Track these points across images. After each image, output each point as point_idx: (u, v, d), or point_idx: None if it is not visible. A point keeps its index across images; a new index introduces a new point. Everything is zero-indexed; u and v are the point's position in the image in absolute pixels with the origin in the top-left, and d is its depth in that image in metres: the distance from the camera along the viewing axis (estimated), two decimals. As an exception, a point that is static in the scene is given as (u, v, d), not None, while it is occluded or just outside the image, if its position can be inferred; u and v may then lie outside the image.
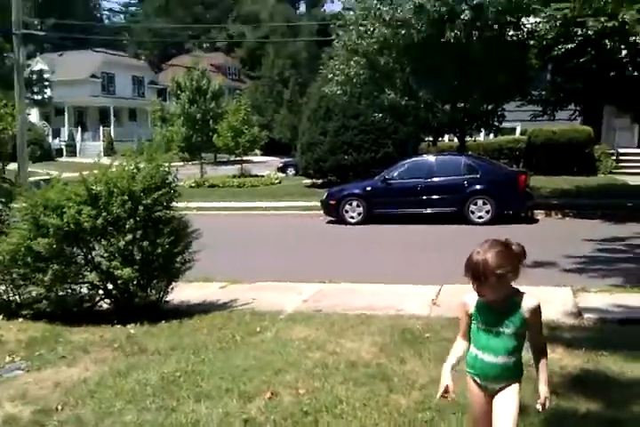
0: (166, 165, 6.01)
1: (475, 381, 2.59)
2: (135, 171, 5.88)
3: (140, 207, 5.54)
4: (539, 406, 2.52)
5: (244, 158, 27.98)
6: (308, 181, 23.08)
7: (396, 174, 14.16)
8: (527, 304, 2.49)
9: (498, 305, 2.49)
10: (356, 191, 14.21)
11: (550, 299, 6.19)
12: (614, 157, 21.81)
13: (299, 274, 7.75)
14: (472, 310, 2.55)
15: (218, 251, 9.88)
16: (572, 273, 7.98)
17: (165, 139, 26.76)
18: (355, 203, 14.03)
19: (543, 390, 2.50)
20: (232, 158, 30.73)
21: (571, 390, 3.84)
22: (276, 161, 32.22)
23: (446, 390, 2.56)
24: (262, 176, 25.45)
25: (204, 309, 6.21)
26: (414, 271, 7.87)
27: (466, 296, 2.59)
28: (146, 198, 5.61)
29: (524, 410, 3.49)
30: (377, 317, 5.70)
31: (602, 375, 4.09)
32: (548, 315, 5.48)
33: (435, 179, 13.80)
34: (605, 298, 6.18)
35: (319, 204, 14.89)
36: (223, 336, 5.17)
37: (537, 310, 2.51)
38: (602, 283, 7.19)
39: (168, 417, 3.56)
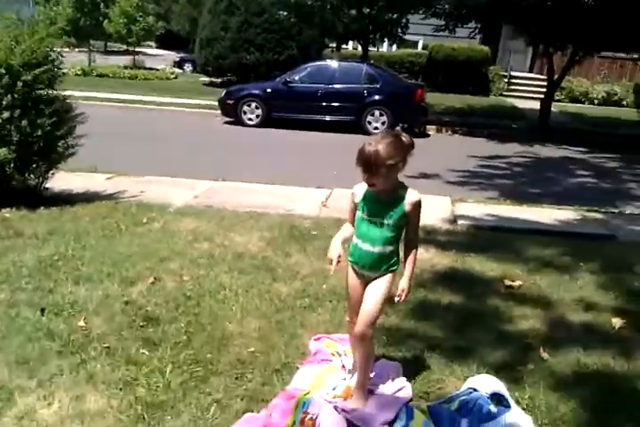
0: (49, 40, 5.50)
1: (354, 269, 2.70)
2: (14, 44, 5.35)
3: (19, 83, 5.10)
4: (395, 298, 2.62)
5: (138, 49, 26.27)
6: (207, 79, 22.17)
7: (297, 78, 13.87)
8: (410, 198, 2.58)
9: (384, 196, 2.55)
10: (256, 92, 13.84)
11: (430, 206, 6.52)
12: (506, 80, 22.57)
13: (191, 171, 7.61)
14: (359, 199, 2.61)
15: (106, 143, 9.48)
16: (454, 185, 8.42)
17: (49, 20, 24.36)
18: (254, 104, 13.70)
19: (403, 282, 2.63)
20: (124, 48, 28.71)
21: (438, 285, 4.16)
22: (173, 55, 30.54)
23: (336, 260, 2.64)
24: (157, 70, 24.12)
25: (88, 198, 5.99)
26: (308, 176, 7.96)
27: (355, 186, 2.65)
28: (26, 74, 5.16)
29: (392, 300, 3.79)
30: (267, 214, 5.78)
31: (467, 273, 4.45)
32: (426, 220, 5.77)
33: (336, 85, 13.68)
34: (480, 208, 6.60)
35: (217, 103, 14.42)
36: (107, 224, 5.05)
37: (418, 205, 2.60)
38: (480, 195, 7.67)
39: (44, 298, 3.51)
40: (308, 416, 2.45)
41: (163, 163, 8.54)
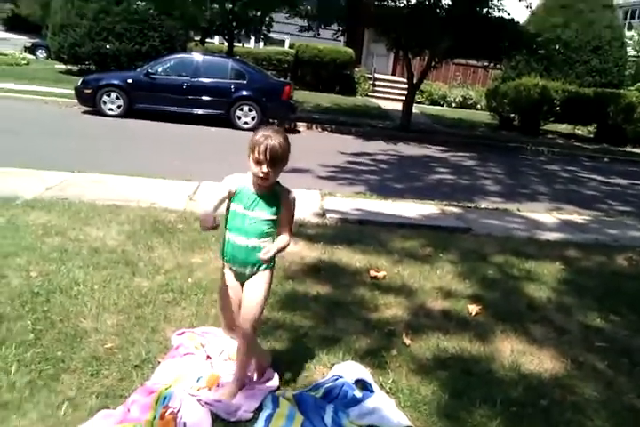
0: None
1: (230, 269, 2.59)
2: None
3: None
4: (260, 254, 2.50)
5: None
6: (63, 67, 20.81)
7: (160, 69, 13.33)
8: (286, 193, 2.59)
9: (263, 190, 2.50)
10: (116, 82, 13.12)
11: (300, 200, 6.49)
12: (371, 81, 23.37)
13: (44, 163, 7.04)
14: (234, 190, 2.51)
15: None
16: (324, 180, 8.51)
17: None
18: (114, 94, 12.99)
19: (271, 246, 2.53)
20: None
21: (306, 277, 4.14)
22: (24, 40, 28.35)
23: (208, 222, 2.43)
24: (6, 55, 22.24)
25: None
26: (173, 168, 7.67)
27: (230, 177, 2.54)
28: None
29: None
30: (128, 207, 5.45)
31: (334, 265, 4.48)
32: (296, 214, 5.82)
33: (201, 79, 13.34)
34: (348, 202, 6.71)
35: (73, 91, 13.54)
36: (-56, 219, 4.52)
37: (293, 200, 2.62)
38: (348, 190, 7.80)
39: None
40: (169, 411, 2.32)
41: (14, 155, 7.82)
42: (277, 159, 2.42)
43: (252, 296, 2.56)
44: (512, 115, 18.45)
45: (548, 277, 4.79)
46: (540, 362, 3.35)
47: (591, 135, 18.57)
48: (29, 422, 2.17)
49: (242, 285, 2.60)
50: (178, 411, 2.33)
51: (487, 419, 2.70)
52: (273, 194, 2.54)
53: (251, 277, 2.58)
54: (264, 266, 2.58)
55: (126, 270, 3.84)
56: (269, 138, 2.41)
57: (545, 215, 7.13)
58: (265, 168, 2.41)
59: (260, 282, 2.57)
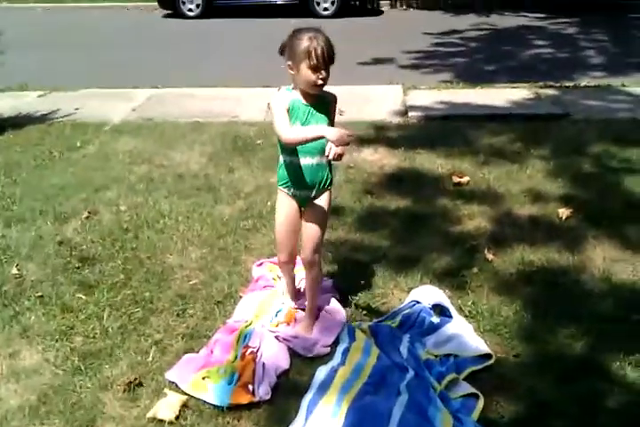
0: None
1: (288, 195, 2.50)
2: None
3: None
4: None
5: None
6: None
7: (236, -41, 12.77)
8: (332, 97, 2.43)
9: (310, 100, 2.36)
10: (193, -22, 12.78)
11: (380, 97, 6.29)
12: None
13: (129, 78, 7.16)
14: (289, 106, 2.35)
15: (36, 54, 8.82)
16: (407, 69, 8.08)
17: None
18: (192, -8, 12.71)
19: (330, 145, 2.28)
20: None
21: (386, 190, 4.07)
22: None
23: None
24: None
25: (18, 122, 5.62)
26: (256, 73, 7.52)
27: (278, 95, 2.38)
28: None
29: (340, 211, 3.72)
30: (210, 124, 5.50)
31: (415, 173, 4.35)
32: (376, 115, 5.64)
33: (278, -35, 12.67)
34: (433, 95, 6.35)
35: (153, -6, 13.35)
36: (39, 153, 4.78)
37: (336, 101, 2.45)
38: (434, 78, 7.38)
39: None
40: (249, 350, 2.44)
41: (100, 71, 7.99)
42: (333, 58, 2.28)
43: (317, 220, 2.50)
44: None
45: (653, 167, 4.40)
46: (635, 269, 3.16)
47: None
48: (120, 371, 2.38)
49: (299, 209, 2.54)
50: (257, 350, 2.45)
51: (572, 339, 2.62)
52: (321, 101, 2.39)
53: (314, 199, 2.49)
54: (329, 185, 2.50)
55: (208, 197, 3.94)
56: (318, 39, 2.24)
57: (655, 89, 6.42)
58: (324, 73, 2.26)
59: (324, 203, 2.50)
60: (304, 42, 2.24)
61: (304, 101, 2.35)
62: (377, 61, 8.33)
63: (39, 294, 2.89)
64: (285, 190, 2.51)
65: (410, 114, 5.71)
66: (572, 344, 2.60)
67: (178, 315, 2.73)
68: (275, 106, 2.36)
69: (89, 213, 3.70)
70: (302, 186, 2.46)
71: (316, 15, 12.41)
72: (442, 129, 5.29)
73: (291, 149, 2.40)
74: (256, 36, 10.54)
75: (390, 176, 4.29)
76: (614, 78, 7.07)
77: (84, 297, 2.86)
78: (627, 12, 12.46)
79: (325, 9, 12.54)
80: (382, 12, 13.33)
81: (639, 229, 3.55)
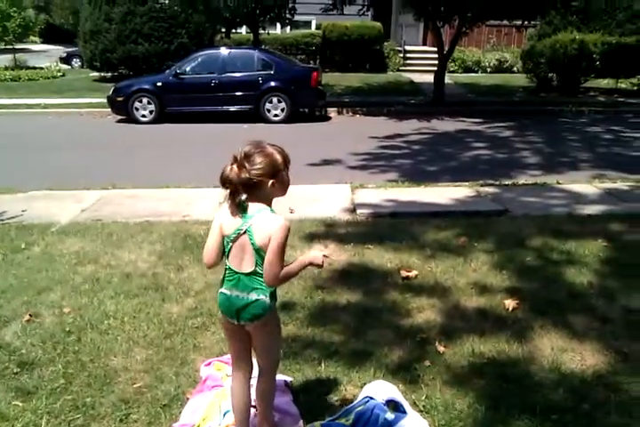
0: None
1: None
2: None
3: None
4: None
5: (19, 47, 24.67)
6: (97, 75, 21.16)
7: (188, 69, 13.40)
8: None
9: None
10: (146, 87, 13.26)
11: (330, 196, 6.48)
12: (402, 55, 22.83)
13: (81, 180, 7.20)
14: None
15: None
16: (355, 170, 8.41)
17: None
18: (145, 100, 13.15)
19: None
20: (2, 47, 26.88)
21: (336, 284, 4.10)
22: (59, 50, 28.92)
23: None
24: (42, 68, 22.75)
25: (-38, 224, 5.53)
26: (208, 173, 7.70)
27: (281, 217, 2.27)
28: None
29: (291, 306, 3.71)
30: (161, 223, 5.52)
31: (365, 268, 4.41)
32: (325, 212, 5.77)
33: (229, 74, 13.35)
34: (380, 193, 6.59)
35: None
36: (-18, 255, 4.67)
37: None
38: (381, 178, 7.69)
39: None
40: (196, 456, 2.32)
41: (51, 173, 8.04)
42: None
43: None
44: (550, 75, 17.72)
45: (590, 257, 4.59)
46: (582, 358, 3.21)
47: (635, 88, 17.68)
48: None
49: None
50: None
51: (526, 432, 2.61)
52: None
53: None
54: None
55: (156, 296, 3.88)
56: (277, 146, 2.32)
57: (586, 186, 6.83)
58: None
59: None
60: (275, 154, 2.27)
61: None
62: (326, 162, 8.66)
63: (-28, 401, 2.72)
64: None
65: (358, 211, 5.87)
66: (528, 437, 2.57)
67: (121, 420, 2.59)
68: (287, 234, 2.23)
69: (30, 315, 3.57)
70: None
71: (267, 121, 12.98)
72: (389, 225, 5.45)
73: None
74: (209, 139, 10.89)
75: (340, 271, 4.34)
76: (549, 176, 7.52)
77: (20, 404, 2.70)
78: (557, 117, 13.49)
79: (276, 115, 13.14)
80: (330, 118, 14.04)
81: (583, 318, 3.65)
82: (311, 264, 2.34)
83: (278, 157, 2.27)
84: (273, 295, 2.33)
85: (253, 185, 2.22)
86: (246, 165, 2.21)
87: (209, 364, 3.00)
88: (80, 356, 3.12)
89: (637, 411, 2.77)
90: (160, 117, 13.05)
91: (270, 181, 2.25)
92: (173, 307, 3.73)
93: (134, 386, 2.85)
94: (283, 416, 2.63)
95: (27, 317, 3.55)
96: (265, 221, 2.24)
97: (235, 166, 2.22)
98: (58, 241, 5.01)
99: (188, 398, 2.76)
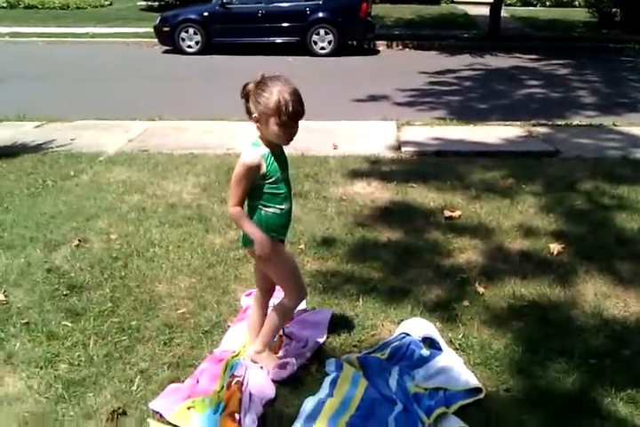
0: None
1: (281, 240, 2.46)
2: None
3: None
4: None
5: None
6: (144, 4, 20.94)
7: (235, -1, 13.11)
8: None
9: (278, 147, 2.33)
10: (193, 17, 13.08)
11: (375, 133, 6.36)
12: (458, -14, 21.75)
13: (127, 111, 7.24)
14: (265, 166, 2.25)
15: (35, 85, 8.94)
16: (402, 106, 8.20)
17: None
18: (192, 30, 12.99)
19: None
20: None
21: (378, 222, 4.07)
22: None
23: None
24: (89, -3, 22.55)
25: (14, 151, 5.65)
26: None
27: (248, 156, 2.24)
28: None
29: (331, 242, 3.73)
30: (205, 156, 5.54)
31: (407, 206, 4.36)
32: (369, 149, 5.68)
33: (276, 4, 12.99)
34: (426, 131, 6.44)
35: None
36: (33, 182, 4.79)
37: None
38: (428, 115, 7.49)
39: (-41, 272, 3.33)
40: (235, 380, 2.40)
41: (98, 103, 8.11)
42: (303, 113, 2.21)
43: None
44: (614, 10, 16.66)
45: (643, 203, 4.43)
46: (626, 305, 3.15)
47: None
48: (104, 399, 2.32)
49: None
50: (243, 379, 2.41)
51: (563, 374, 2.58)
52: (282, 148, 2.37)
53: None
54: None
55: (200, 227, 3.93)
56: (287, 92, 2.15)
57: (645, 129, 6.53)
58: (295, 128, 2.22)
59: None
60: (273, 96, 2.15)
61: (275, 151, 2.30)
62: (372, 98, 8.47)
63: (25, 320, 2.85)
64: (279, 238, 2.44)
65: (403, 149, 5.76)
66: (563, 380, 2.56)
67: (165, 344, 2.69)
68: (242, 171, 2.23)
69: (79, 241, 3.68)
70: (287, 230, 2.49)
71: (314, 54, 12.68)
72: (434, 164, 5.34)
73: (282, 199, 2.34)
74: (254, 72, 10.69)
75: (382, 209, 4.30)
76: (605, 118, 7.20)
77: (70, 324, 2.81)
78: (618, 55, 12.76)
79: (322, 48, 12.81)
80: (378, 52, 13.63)
81: (630, 264, 3.56)
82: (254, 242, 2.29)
83: (271, 100, 2.15)
84: (265, 225, 2.33)
85: (250, 117, 2.25)
86: (250, 96, 2.24)
87: (249, 294, 3.06)
88: (126, 281, 3.22)
89: (678, 359, 2.72)
90: (206, 48, 12.89)
91: (256, 121, 2.23)
92: (216, 238, 3.78)
93: (178, 312, 2.94)
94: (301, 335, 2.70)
95: (76, 242, 3.66)
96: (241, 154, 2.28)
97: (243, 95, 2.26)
98: (105, 170, 5.09)
99: (229, 326, 2.83)
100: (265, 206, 2.33)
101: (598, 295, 3.23)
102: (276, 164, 2.29)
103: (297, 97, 2.19)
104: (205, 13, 13.01)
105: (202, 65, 11.78)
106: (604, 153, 5.68)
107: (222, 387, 2.37)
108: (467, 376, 2.52)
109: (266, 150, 2.27)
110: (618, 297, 3.22)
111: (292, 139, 2.27)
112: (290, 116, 2.17)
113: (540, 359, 2.69)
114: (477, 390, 2.44)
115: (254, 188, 2.29)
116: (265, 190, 2.30)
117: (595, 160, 5.41)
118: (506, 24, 15.72)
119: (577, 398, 2.45)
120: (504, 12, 15.73)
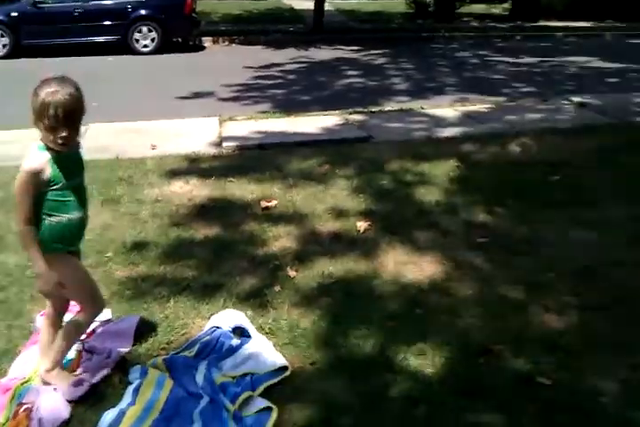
0: None
1: (70, 252, 2.38)
2: None
3: None
4: None
5: None
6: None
7: (48, -4, 12.31)
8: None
9: (69, 150, 2.25)
10: (-1, 18, 12.13)
11: (196, 131, 6.34)
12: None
13: None
14: (50, 172, 2.16)
15: None
16: (227, 102, 8.22)
17: None
18: (-3, 31, 12.04)
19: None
20: None
21: (194, 221, 4.08)
22: None
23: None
24: None
25: None
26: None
27: (30, 160, 2.15)
28: None
29: (143, 246, 3.67)
30: (4, 168, 5.08)
31: (225, 201, 4.41)
32: (189, 147, 5.66)
33: (95, 2, 12.40)
34: (249, 125, 6.53)
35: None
36: None
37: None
38: (253, 110, 7.57)
39: None
40: (24, 407, 2.27)
41: None
42: (75, 116, 2.13)
43: None
44: (427, 1, 17.87)
45: (441, 177, 4.84)
46: (421, 269, 3.43)
47: (506, 13, 18.22)
48: None
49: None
50: (34, 405, 2.28)
51: (362, 340, 2.77)
52: (77, 146, 2.33)
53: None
54: None
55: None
56: (56, 93, 2.08)
57: (447, 110, 7.11)
58: (64, 132, 2.11)
59: None
60: (39, 98, 2.08)
61: (62, 155, 2.20)
62: (196, 95, 8.41)
63: None
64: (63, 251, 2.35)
65: (224, 144, 5.81)
66: (363, 344, 2.75)
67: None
68: (25, 177, 2.14)
69: None
70: (78, 241, 2.43)
71: (137, 52, 12.32)
72: (255, 157, 5.45)
73: (75, 207, 2.29)
74: (65, 74, 10.17)
75: (199, 207, 4.32)
76: (415, 102, 7.73)
77: None
78: (430, 43, 13.72)
79: (145, 46, 12.48)
80: (204, 48, 13.53)
81: (427, 233, 3.89)
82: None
83: (37, 102, 2.10)
84: (48, 235, 2.25)
85: None
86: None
87: (44, 314, 2.93)
88: None
89: (464, 310, 3.03)
90: (14, 52, 11.99)
91: (35, 125, 2.16)
92: (10, 257, 3.54)
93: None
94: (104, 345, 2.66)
95: None
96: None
97: None
98: None
99: (19, 351, 2.67)
100: (49, 215, 2.24)
101: (397, 264, 3.50)
102: (62, 169, 2.20)
103: (68, 99, 2.10)
104: (14, 13, 12.12)
105: (10, 70, 10.91)
106: (410, 135, 6.12)
107: (8, 419, 2.24)
108: (274, 358, 2.61)
109: (50, 154, 2.18)
110: (415, 263, 3.51)
111: (66, 144, 2.17)
112: (55, 120, 2.09)
113: (343, 330, 2.86)
114: (284, 369, 2.55)
115: (39, 195, 2.19)
116: (49, 197, 2.21)
117: (402, 142, 5.81)
118: (331, 17, 16.27)
119: (374, 358, 2.66)
120: (329, 6, 16.29)
